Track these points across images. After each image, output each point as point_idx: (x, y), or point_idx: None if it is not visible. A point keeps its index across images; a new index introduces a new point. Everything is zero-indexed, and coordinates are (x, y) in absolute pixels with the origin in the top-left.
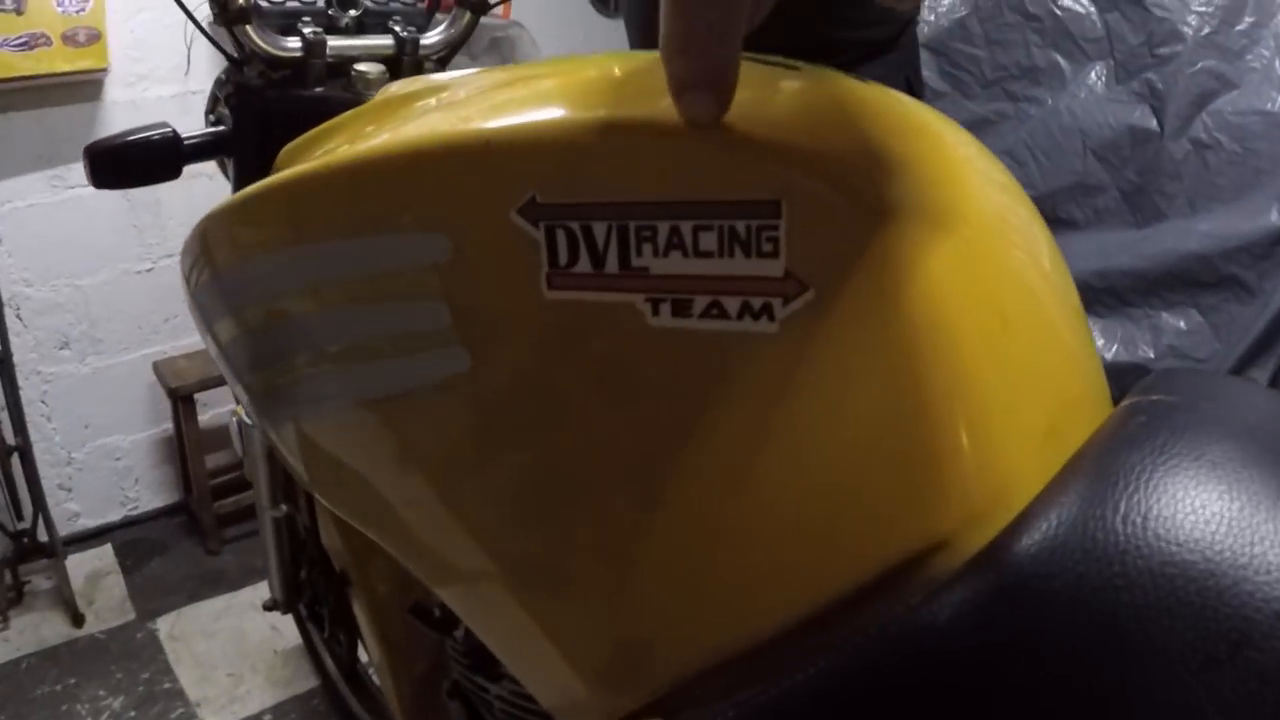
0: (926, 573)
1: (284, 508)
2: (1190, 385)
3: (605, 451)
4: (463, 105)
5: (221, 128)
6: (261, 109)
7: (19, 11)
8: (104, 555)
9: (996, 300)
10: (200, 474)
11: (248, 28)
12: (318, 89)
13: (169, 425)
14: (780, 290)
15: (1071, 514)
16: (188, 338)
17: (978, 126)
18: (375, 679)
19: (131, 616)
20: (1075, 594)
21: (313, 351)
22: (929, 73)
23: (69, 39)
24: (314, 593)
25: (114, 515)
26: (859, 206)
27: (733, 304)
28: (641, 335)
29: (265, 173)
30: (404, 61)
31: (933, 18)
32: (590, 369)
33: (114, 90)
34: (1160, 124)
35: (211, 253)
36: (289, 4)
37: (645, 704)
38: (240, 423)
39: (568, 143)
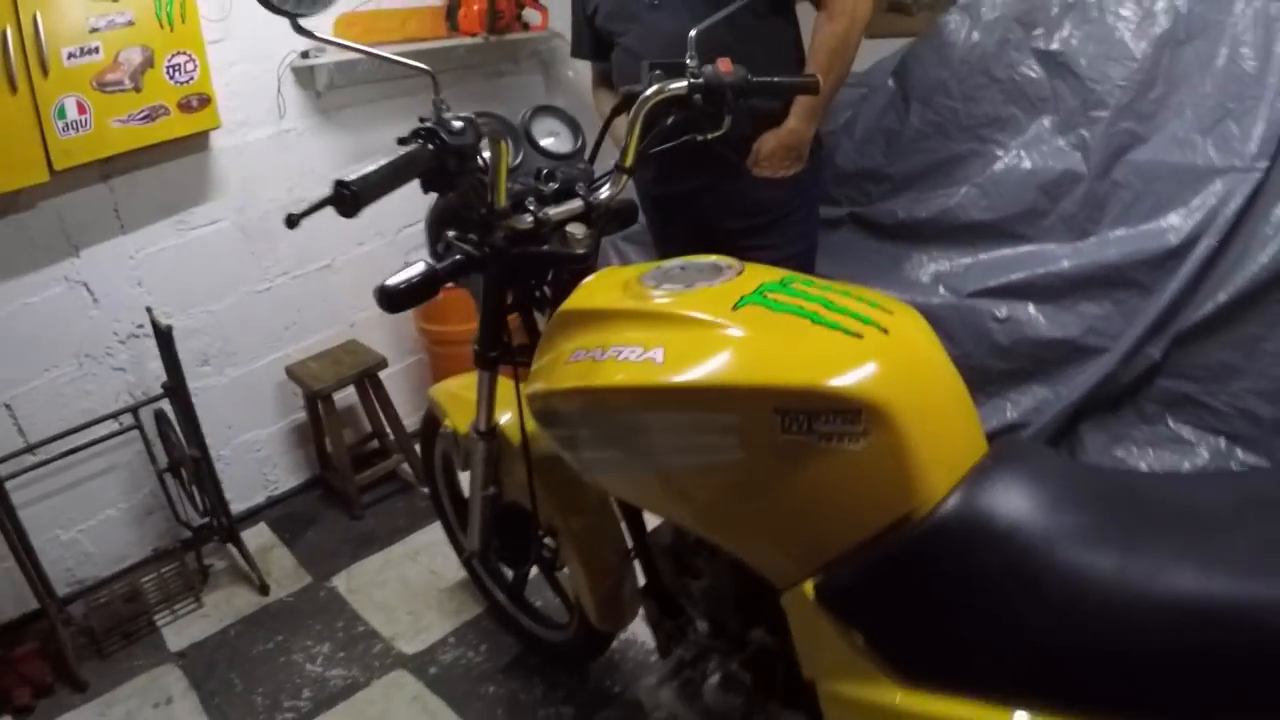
0: (915, 520)
1: (492, 489)
2: (1022, 443)
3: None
4: (734, 350)
5: (457, 258)
6: (507, 260)
7: (138, 89)
8: (261, 533)
9: (936, 391)
10: (341, 454)
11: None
12: (545, 246)
13: (297, 415)
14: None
15: (980, 493)
16: (305, 340)
17: (957, 161)
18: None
19: (308, 580)
20: (984, 525)
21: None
22: (916, 121)
23: (184, 106)
24: (502, 543)
25: (259, 498)
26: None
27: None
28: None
29: (504, 298)
30: (591, 216)
31: (920, 74)
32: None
33: (219, 139)
34: (1088, 168)
35: (579, 406)
36: (516, 188)
37: (810, 572)
38: (458, 436)
39: (797, 391)
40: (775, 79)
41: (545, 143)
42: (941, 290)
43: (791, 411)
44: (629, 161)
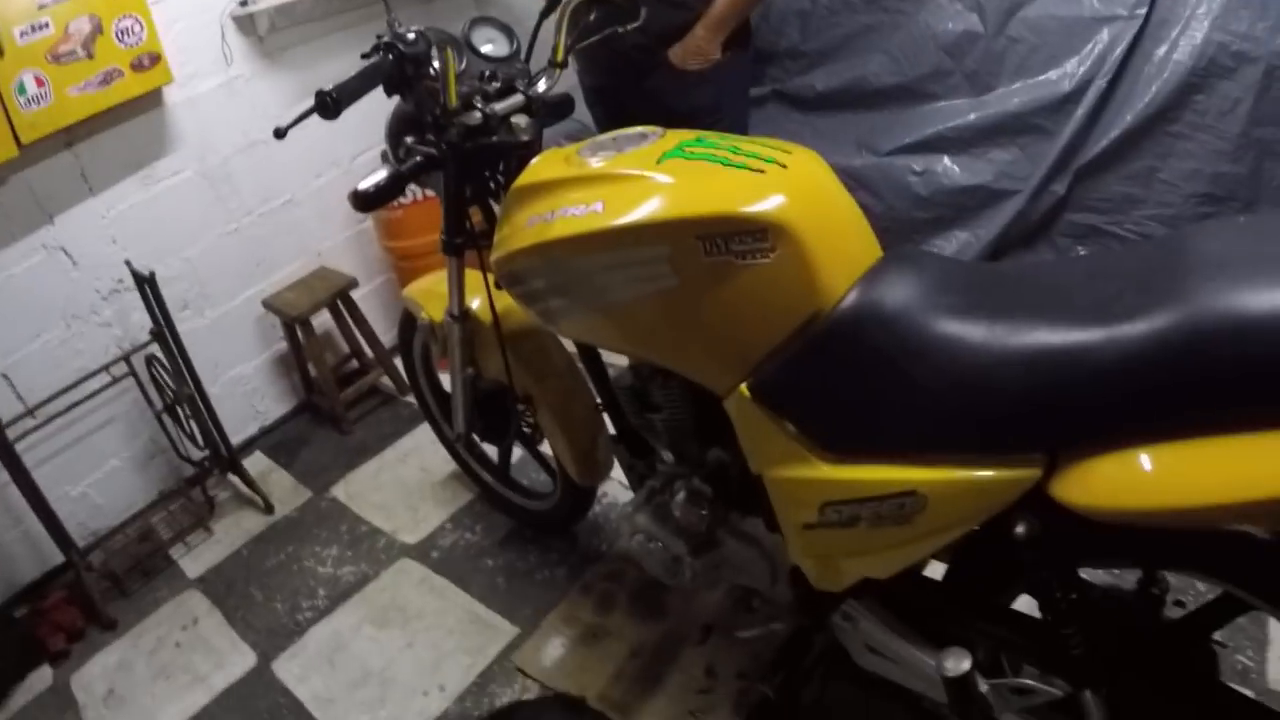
0: (821, 316)
1: (470, 370)
2: (910, 249)
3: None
4: (661, 193)
5: (418, 159)
6: (462, 153)
7: (90, 56)
8: (258, 461)
9: (828, 211)
10: (325, 374)
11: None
12: (494, 138)
13: (278, 346)
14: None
15: (871, 288)
16: (276, 273)
17: (865, 32)
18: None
19: (309, 494)
20: (876, 312)
21: (590, 296)
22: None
23: (136, 67)
24: (485, 422)
25: (251, 429)
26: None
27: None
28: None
29: (463, 188)
30: (531, 107)
31: None
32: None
33: (172, 94)
34: (985, 27)
35: (537, 261)
36: (464, 90)
37: (744, 376)
38: (435, 325)
39: (714, 219)
40: None
41: (485, 49)
42: (863, 153)
43: (711, 236)
44: (559, 56)
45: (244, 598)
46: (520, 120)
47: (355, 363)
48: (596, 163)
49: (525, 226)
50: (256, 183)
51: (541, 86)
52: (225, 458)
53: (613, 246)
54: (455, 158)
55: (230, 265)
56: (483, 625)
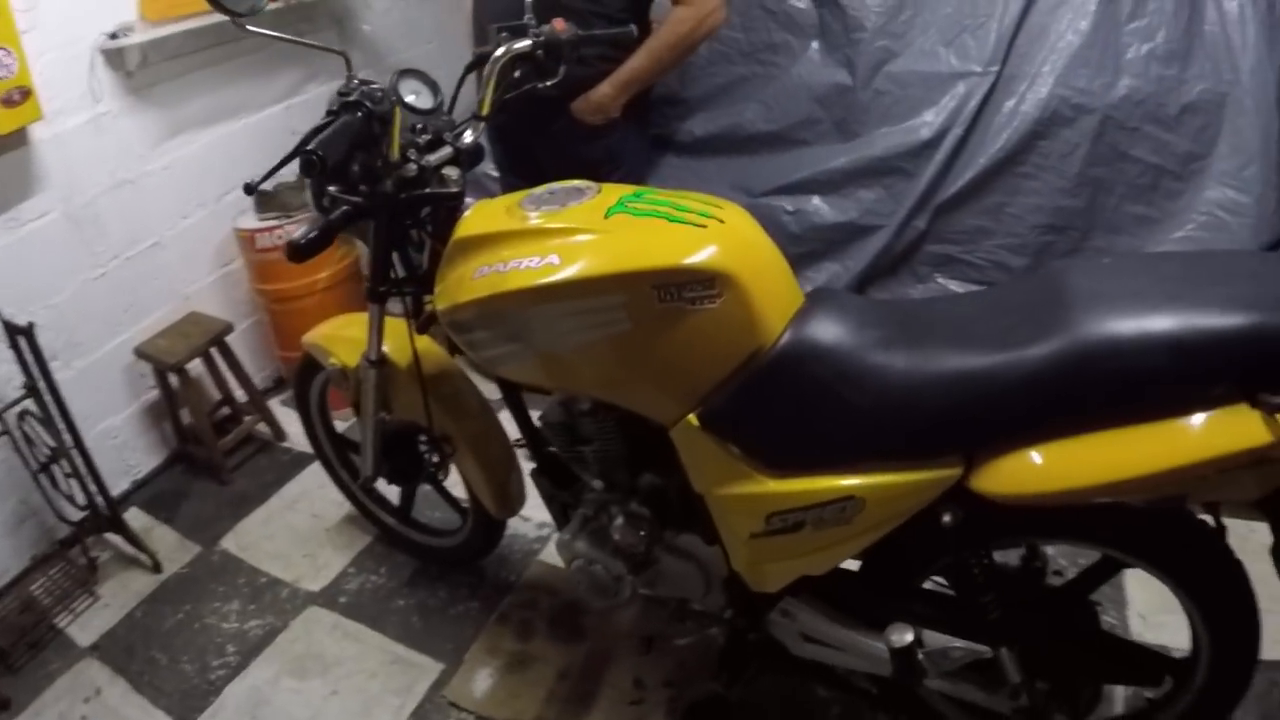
0: (762, 352)
1: (384, 415)
2: (830, 290)
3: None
4: (615, 246)
5: (346, 209)
6: (397, 204)
7: None
8: (137, 517)
9: (762, 260)
10: (203, 423)
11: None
12: (427, 189)
13: (148, 396)
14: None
15: (805, 325)
16: (145, 319)
17: (741, 82)
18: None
19: (197, 549)
20: (811, 346)
21: (543, 342)
22: (704, 50)
23: (7, 102)
24: (391, 464)
25: (124, 484)
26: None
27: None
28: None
29: (392, 238)
30: (460, 158)
31: None
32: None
33: (38, 131)
34: (854, 80)
35: (490, 310)
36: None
37: (691, 408)
38: (346, 370)
39: (667, 270)
40: (596, 31)
41: (409, 99)
42: (739, 194)
43: (665, 285)
44: (485, 110)
45: (147, 662)
46: (451, 172)
47: (227, 409)
48: (539, 217)
49: (473, 278)
50: (123, 225)
51: (468, 138)
52: (106, 516)
53: (569, 296)
54: (388, 208)
55: (98, 312)
56: (405, 665)
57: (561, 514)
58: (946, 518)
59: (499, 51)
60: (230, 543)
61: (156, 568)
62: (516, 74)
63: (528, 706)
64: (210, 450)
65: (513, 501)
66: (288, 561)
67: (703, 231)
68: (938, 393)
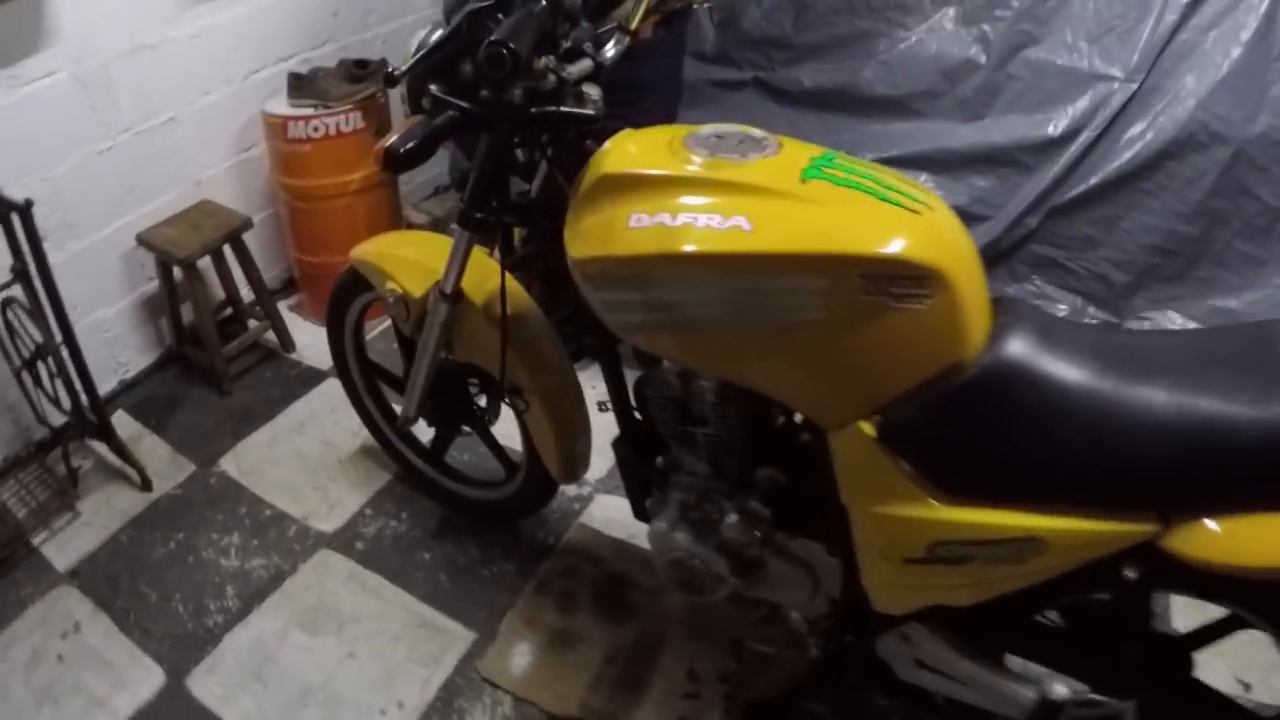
0: (965, 367)
1: (443, 354)
2: (1032, 309)
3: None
4: (821, 220)
5: (453, 115)
6: (526, 118)
7: None
8: (124, 423)
9: (972, 263)
10: (208, 326)
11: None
12: (561, 106)
13: (147, 287)
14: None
15: (1014, 343)
16: (149, 203)
17: (862, 37)
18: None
19: (192, 468)
20: (1024, 369)
21: (710, 318)
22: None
23: None
24: (435, 407)
25: (111, 383)
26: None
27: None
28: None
29: (505, 158)
30: (600, 76)
31: None
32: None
33: None
34: (988, 59)
35: (654, 271)
36: None
37: (864, 414)
38: (408, 299)
39: (884, 260)
40: None
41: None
42: None
43: (875, 277)
44: (634, 25)
45: (134, 597)
46: (591, 90)
47: (230, 310)
48: (715, 165)
49: (629, 227)
50: (138, 95)
51: (610, 53)
52: (92, 421)
53: (761, 271)
54: (512, 122)
55: (100, 190)
56: (433, 630)
57: (639, 489)
58: (1129, 573)
59: None
60: (230, 464)
61: (145, 485)
62: None
63: (572, 691)
64: (213, 355)
65: (578, 466)
66: (296, 493)
67: (917, 219)
68: (1158, 441)
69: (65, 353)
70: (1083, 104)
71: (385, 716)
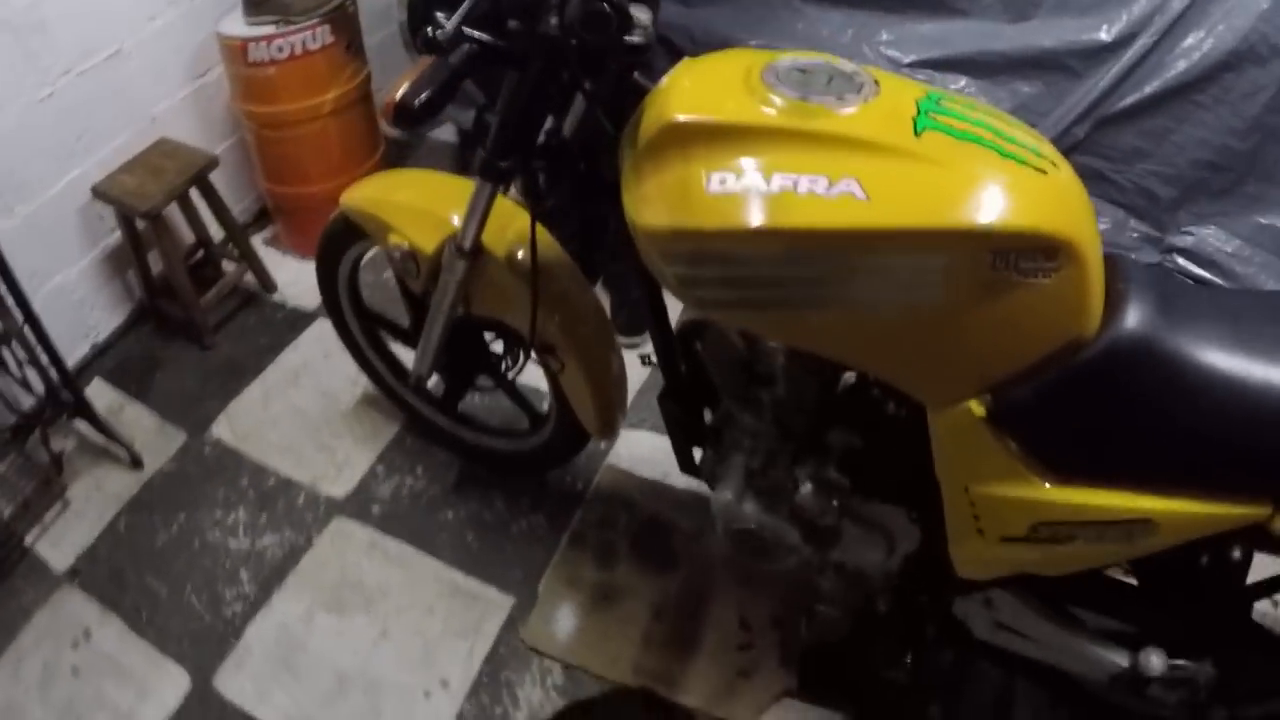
0: (1085, 343)
1: (460, 309)
2: (1133, 264)
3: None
4: (945, 187)
5: (473, 48)
6: (565, 50)
7: None
8: (101, 393)
9: (1095, 230)
10: (181, 278)
11: None
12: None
13: (109, 240)
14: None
15: (1135, 317)
16: (101, 149)
17: None
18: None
19: (183, 437)
20: (1148, 346)
21: (812, 297)
22: None
23: None
24: (455, 362)
25: (83, 350)
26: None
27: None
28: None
29: (538, 94)
30: None
31: None
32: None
33: None
34: None
35: (748, 247)
36: None
37: (974, 393)
38: (418, 254)
39: (1019, 233)
40: None
41: None
42: (879, 61)
43: (1004, 251)
44: None
45: (143, 594)
46: (641, 14)
47: (201, 253)
48: (797, 106)
49: (710, 190)
50: (76, 30)
51: None
52: (69, 400)
53: (878, 248)
54: (548, 55)
55: (45, 143)
56: (468, 598)
57: (686, 442)
58: (1237, 553)
59: None
60: (224, 429)
61: (136, 462)
62: None
63: (622, 651)
64: (189, 308)
65: (617, 419)
66: (299, 456)
67: (1045, 182)
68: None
69: (29, 332)
70: (1139, 8)
71: (431, 699)
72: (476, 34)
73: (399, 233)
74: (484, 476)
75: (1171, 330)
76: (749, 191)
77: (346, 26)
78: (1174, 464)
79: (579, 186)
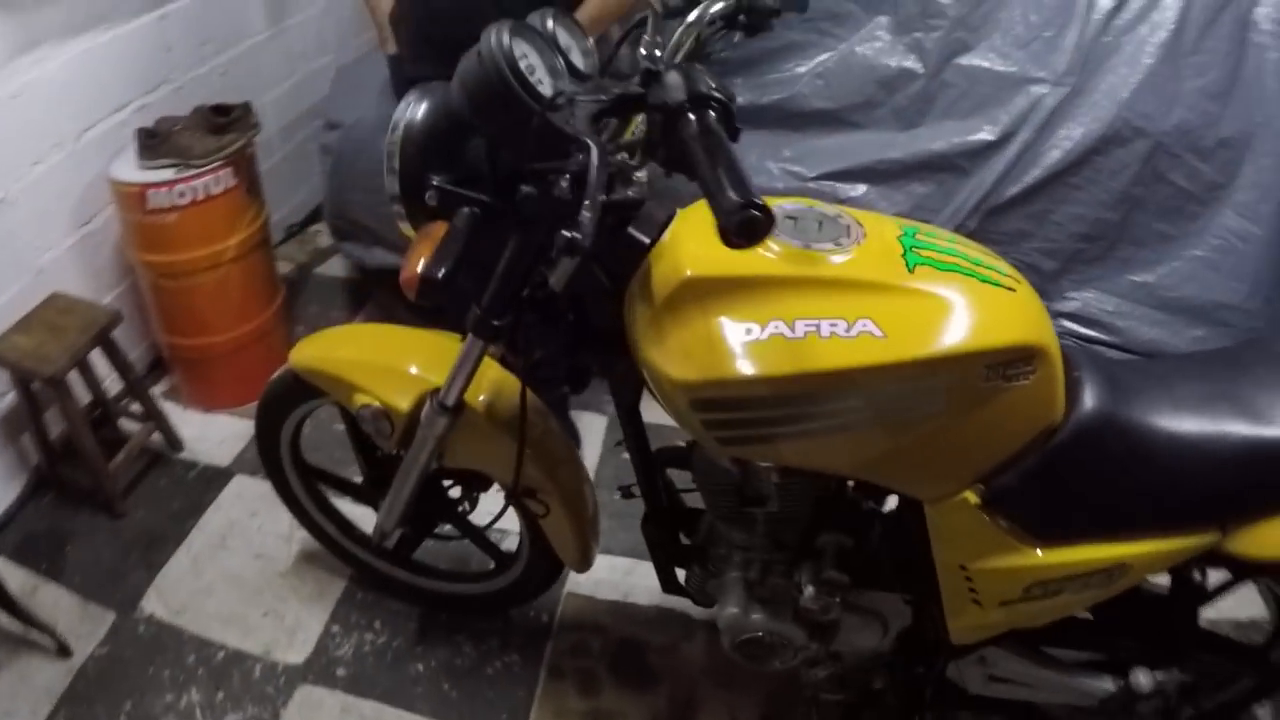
0: (1056, 427)
1: (434, 465)
2: (1080, 350)
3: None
4: (945, 317)
5: (474, 212)
6: (573, 213)
7: None
8: (10, 574)
9: (1049, 322)
10: (89, 442)
11: None
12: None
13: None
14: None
15: (1094, 398)
16: None
17: (794, 49)
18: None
19: (111, 616)
20: (1109, 422)
21: (832, 426)
22: None
23: None
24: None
25: None
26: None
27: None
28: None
29: (536, 252)
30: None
31: None
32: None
33: None
34: (925, 68)
35: (781, 390)
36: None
37: (966, 485)
38: (391, 412)
39: (1009, 349)
40: None
41: (571, 57)
42: (787, 176)
43: (996, 364)
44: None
45: None
46: (641, 174)
47: (98, 411)
48: (800, 253)
49: (737, 342)
50: None
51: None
52: None
53: (894, 378)
54: (560, 218)
55: None
56: None
57: (669, 566)
58: (1197, 575)
59: (694, 14)
60: (155, 604)
61: (63, 650)
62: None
63: None
64: (98, 474)
65: (593, 553)
66: (245, 625)
67: (1016, 298)
68: (1223, 467)
69: None
70: (1016, 108)
71: None
72: (480, 198)
73: (367, 392)
74: (445, 621)
75: (1123, 404)
76: (775, 339)
77: (246, 167)
78: (1138, 513)
79: (567, 337)
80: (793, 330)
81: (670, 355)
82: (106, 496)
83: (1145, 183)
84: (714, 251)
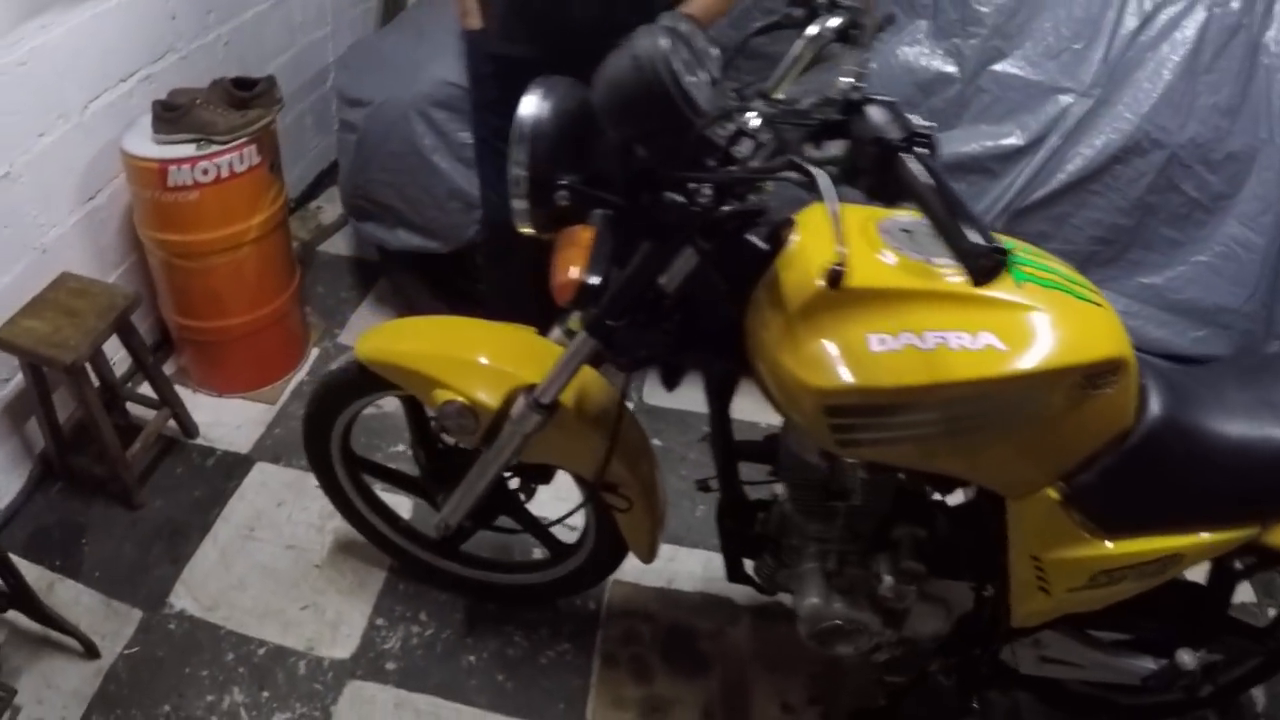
0: (1130, 429)
1: (515, 460)
2: (1150, 364)
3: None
4: (1056, 330)
5: (607, 214)
6: (713, 222)
7: None
8: (23, 570)
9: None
10: (108, 432)
11: None
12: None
13: (3, 391)
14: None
15: (1161, 402)
16: None
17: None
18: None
19: (138, 614)
20: (1174, 424)
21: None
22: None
23: None
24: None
25: None
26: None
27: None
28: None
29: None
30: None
31: None
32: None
33: None
34: (962, 74)
35: (917, 399)
36: None
37: (1049, 481)
38: (476, 408)
39: (1106, 362)
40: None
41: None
42: None
43: (1092, 375)
44: (777, 93)
45: None
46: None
47: (105, 396)
48: (923, 267)
49: (873, 350)
50: None
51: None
52: (14, 589)
53: (1015, 388)
54: (699, 228)
55: None
56: None
57: (737, 557)
58: (1238, 565)
59: (814, 28)
60: (184, 599)
61: (90, 651)
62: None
63: None
64: (114, 463)
65: (659, 543)
66: (284, 620)
67: (1105, 312)
68: (1269, 466)
69: None
70: (1045, 115)
71: None
72: (616, 201)
73: (451, 388)
74: (492, 611)
75: (1183, 410)
76: (910, 350)
77: (270, 145)
78: (1194, 509)
79: (673, 337)
80: (924, 341)
81: (805, 362)
82: (123, 486)
83: (1159, 191)
84: (869, 266)
